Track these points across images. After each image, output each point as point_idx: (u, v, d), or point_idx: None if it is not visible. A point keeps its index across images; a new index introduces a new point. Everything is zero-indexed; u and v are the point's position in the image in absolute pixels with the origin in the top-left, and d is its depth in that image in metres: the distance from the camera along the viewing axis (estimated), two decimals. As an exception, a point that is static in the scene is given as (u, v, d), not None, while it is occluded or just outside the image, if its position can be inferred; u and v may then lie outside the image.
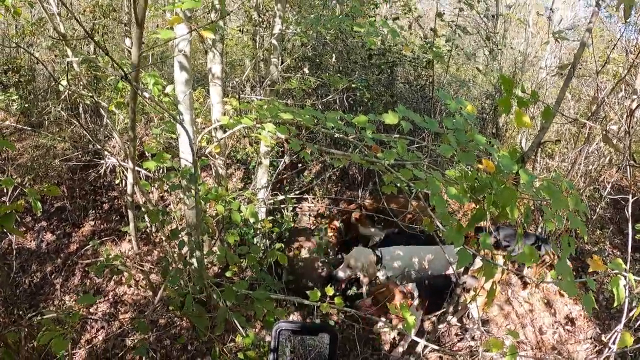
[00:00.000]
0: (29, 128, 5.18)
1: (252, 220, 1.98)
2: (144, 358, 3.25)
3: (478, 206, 1.43)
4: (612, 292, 1.48)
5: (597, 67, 3.82)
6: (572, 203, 1.52)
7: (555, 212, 1.60)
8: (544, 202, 1.60)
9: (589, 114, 5.47)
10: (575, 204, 1.56)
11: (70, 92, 3.16)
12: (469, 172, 1.55)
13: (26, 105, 5.72)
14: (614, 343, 2.43)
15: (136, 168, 2.54)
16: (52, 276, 4.37)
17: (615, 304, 1.49)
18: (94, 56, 3.84)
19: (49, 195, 1.80)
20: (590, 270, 1.59)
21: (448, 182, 1.47)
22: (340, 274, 3.58)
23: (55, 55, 5.37)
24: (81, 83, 3.11)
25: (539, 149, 4.17)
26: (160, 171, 3.53)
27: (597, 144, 5.03)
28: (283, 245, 3.81)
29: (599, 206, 4.76)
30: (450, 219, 1.58)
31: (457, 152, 1.62)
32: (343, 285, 3.63)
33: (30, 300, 4.13)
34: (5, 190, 3.76)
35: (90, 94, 2.90)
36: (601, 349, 3.46)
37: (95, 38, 5.23)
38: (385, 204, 2.93)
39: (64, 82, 2.90)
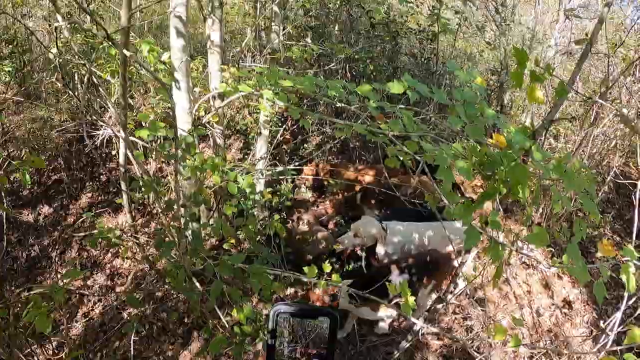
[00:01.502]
0: (24, 100, 5.08)
1: (249, 191, 1.91)
2: (132, 334, 3.26)
3: (488, 183, 1.35)
4: (610, 277, 1.43)
5: (608, 49, 3.70)
6: (584, 184, 1.45)
7: (566, 193, 1.53)
8: (555, 182, 1.53)
9: (598, 96, 5.35)
10: (588, 185, 1.48)
11: (61, 61, 3.05)
12: (478, 147, 1.47)
13: (20, 75, 5.58)
14: (611, 330, 2.40)
15: (131, 138, 2.46)
16: (49, 249, 4.34)
17: (626, 292, 1.44)
18: (86, 23, 3.70)
19: (34, 167, 1.72)
20: (599, 255, 1.53)
21: (457, 155, 1.38)
22: (346, 242, 3.44)
23: (50, 25, 5.22)
24: (72, 51, 2.99)
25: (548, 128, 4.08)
26: (159, 141, 3.45)
27: (603, 126, 4.93)
28: (284, 216, 3.75)
29: (602, 190, 4.70)
30: (455, 196, 1.51)
31: (465, 125, 1.54)
32: (346, 255, 3.54)
33: (27, 273, 4.12)
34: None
35: (82, 62, 2.79)
36: (597, 335, 3.45)
37: (90, 6, 5.07)
38: (387, 177, 2.84)
39: (54, 50, 2.79)
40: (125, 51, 1.50)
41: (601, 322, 3.59)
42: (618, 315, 2.37)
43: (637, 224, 2.42)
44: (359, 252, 3.55)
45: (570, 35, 6.78)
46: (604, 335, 2.63)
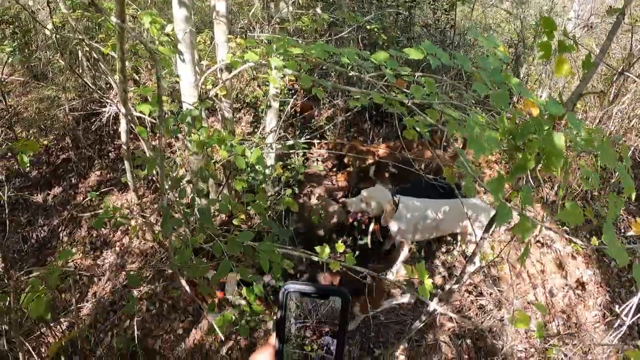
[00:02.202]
0: (29, 79, 5.01)
1: (257, 166, 1.83)
2: (145, 304, 3.24)
3: (521, 154, 1.24)
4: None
5: (631, 22, 3.50)
6: (618, 157, 1.34)
7: (598, 167, 1.42)
8: (582, 155, 1.42)
9: (620, 70, 5.12)
10: (623, 157, 1.37)
11: (58, 37, 2.94)
12: (507, 115, 1.36)
13: (24, 57, 5.50)
14: (626, 315, 2.32)
15: (137, 114, 2.38)
16: (59, 229, 4.34)
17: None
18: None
19: (30, 150, 1.64)
20: (632, 233, 1.43)
21: (487, 124, 1.27)
22: (351, 206, 3.32)
23: (49, 3, 5.10)
24: (70, 26, 2.88)
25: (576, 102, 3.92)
26: (166, 116, 3.36)
27: (622, 104, 4.75)
28: (296, 190, 3.66)
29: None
30: (479, 171, 1.41)
31: (491, 93, 1.43)
32: (351, 220, 3.44)
33: (37, 254, 4.13)
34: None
35: (81, 37, 2.69)
36: (612, 320, 3.38)
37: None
38: (405, 150, 2.72)
39: (50, 26, 2.68)
40: (114, 19, 1.39)
41: (615, 306, 3.52)
42: (635, 300, 2.29)
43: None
44: (366, 224, 3.46)
45: (591, 7, 6.50)
46: (618, 321, 2.55)
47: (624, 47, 5.53)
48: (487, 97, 1.45)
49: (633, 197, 1.39)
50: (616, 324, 2.53)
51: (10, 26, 5.42)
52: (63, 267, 3.46)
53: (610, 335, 3.09)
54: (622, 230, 4.17)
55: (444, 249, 3.93)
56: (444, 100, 1.54)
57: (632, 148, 4.58)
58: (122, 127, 1.85)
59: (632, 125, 4.94)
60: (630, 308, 2.31)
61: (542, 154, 1.19)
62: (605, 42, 2.14)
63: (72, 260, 3.85)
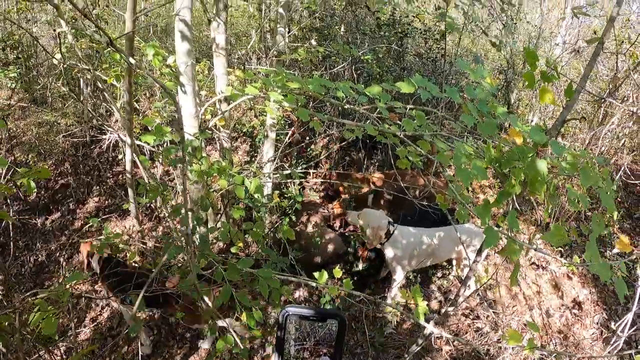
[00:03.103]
0: (29, 104, 5.10)
1: (256, 195, 1.89)
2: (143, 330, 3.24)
3: (505, 181, 1.31)
4: (621, 276, 1.39)
5: (616, 46, 3.66)
6: (600, 179, 1.41)
7: (585, 189, 1.49)
8: (568, 180, 1.50)
9: (606, 94, 5.28)
10: (603, 180, 1.45)
11: (66, 66, 3.05)
12: (493, 145, 1.44)
13: (25, 81, 5.61)
14: (622, 331, 2.35)
15: (137, 142, 2.44)
16: (57, 254, 4.35)
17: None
18: (90, 28, 3.70)
19: (40, 178, 1.70)
20: (616, 251, 1.50)
21: (473, 154, 1.35)
22: (349, 217, 3.54)
23: (54, 30, 5.24)
24: (76, 55, 2.99)
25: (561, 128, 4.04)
26: (164, 145, 3.44)
27: (611, 125, 4.88)
28: (294, 218, 3.74)
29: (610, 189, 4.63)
30: (469, 197, 1.48)
31: (478, 123, 1.51)
32: (365, 254, 3.56)
33: (35, 279, 4.13)
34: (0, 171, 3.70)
35: (87, 67, 2.78)
36: (608, 336, 3.41)
37: (95, 11, 5.08)
38: (399, 179, 2.82)
39: (58, 56, 2.78)
40: (130, 59, 1.48)
41: (612, 323, 3.55)
42: (629, 316, 2.32)
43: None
44: (365, 253, 3.54)
45: (577, 32, 6.71)
46: (614, 337, 2.58)
47: (611, 68, 5.71)
48: (476, 127, 1.53)
49: (615, 216, 1.46)
50: (613, 340, 2.56)
51: (14, 51, 5.53)
52: (73, 289, 3.47)
53: (607, 351, 3.11)
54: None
55: (439, 274, 3.97)
56: (434, 131, 1.62)
57: (623, 167, 4.66)
58: (127, 156, 1.92)
59: (623, 144, 5.06)
60: (626, 324, 2.35)
61: (526, 180, 1.27)
62: (585, 70, 2.24)
63: (70, 286, 3.85)
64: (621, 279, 1.28)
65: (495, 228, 1.33)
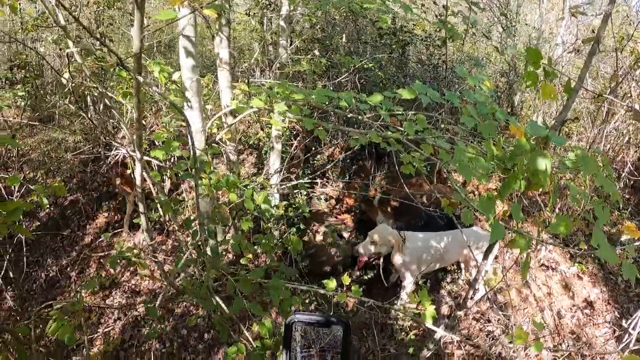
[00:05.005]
0: (38, 123, 5.18)
1: (265, 207, 1.92)
2: (155, 342, 3.26)
3: (509, 174, 1.34)
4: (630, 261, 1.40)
5: (616, 43, 3.67)
6: (598, 167, 1.44)
7: (586, 179, 1.51)
8: (572, 178, 1.51)
9: (608, 92, 5.28)
10: (604, 167, 1.48)
11: (74, 85, 3.11)
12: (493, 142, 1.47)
13: (34, 100, 5.70)
14: (633, 329, 2.35)
15: (146, 158, 2.49)
16: (68, 269, 4.40)
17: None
18: (97, 47, 3.78)
19: (57, 193, 1.75)
20: (624, 237, 1.51)
21: (475, 154, 1.38)
22: (361, 250, 3.44)
23: (61, 49, 5.33)
24: (84, 74, 3.05)
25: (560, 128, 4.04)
26: (172, 160, 3.49)
27: (615, 122, 4.87)
28: (301, 228, 3.76)
29: (617, 187, 4.62)
30: (474, 200, 1.51)
31: (478, 124, 1.54)
32: (362, 263, 3.53)
33: (46, 294, 4.17)
34: (13, 188, 3.77)
35: (95, 85, 2.84)
36: (621, 334, 3.38)
37: (99, 29, 5.18)
38: (404, 185, 2.84)
39: (67, 75, 2.84)
40: (138, 77, 1.53)
41: (623, 321, 3.52)
42: (640, 313, 2.32)
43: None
44: (375, 261, 3.54)
45: (577, 31, 6.73)
46: (627, 335, 2.57)
47: (612, 65, 5.70)
48: (477, 129, 1.57)
49: (620, 202, 1.48)
50: (625, 338, 2.55)
51: (22, 71, 5.63)
52: (87, 300, 3.50)
53: (619, 348, 3.09)
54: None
55: (449, 279, 3.97)
56: (436, 135, 1.65)
57: (629, 165, 4.64)
58: (137, 172, 1.96)
59: (628, 141, 5.03)
60: (638, 321, 2.34)
61: (528, 173, 1.29)
62: (582, 70, 2.27)
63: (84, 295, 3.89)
64: (630, 264, 1.29)
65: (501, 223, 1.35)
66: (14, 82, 5.49)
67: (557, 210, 4.42)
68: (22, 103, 5.37)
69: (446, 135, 1.85)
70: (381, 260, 3.48)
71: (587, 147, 4.77)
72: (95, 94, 4.82)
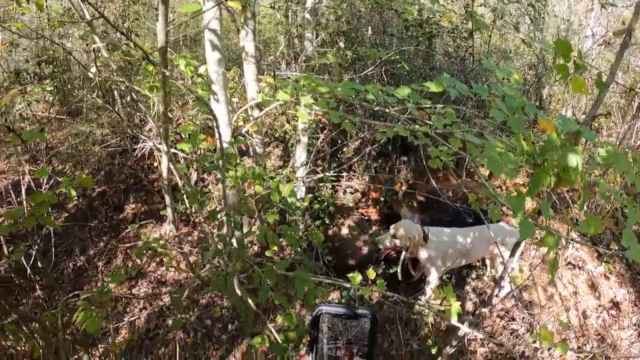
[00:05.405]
0: (66, 117, 5.32)
1: (290, 199, 1.93)
2: (179, 332, 3.31)
3: (538, 170, 1.30)
4: None
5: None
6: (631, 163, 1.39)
7: (616, 176, 1.46)
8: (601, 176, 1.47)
9: (639, 86, 5.10)
10: (636, 165, 1.43)
11: (101, 79, 3.18)
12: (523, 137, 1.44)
13: (62, 95, 5.84)
14: None
15: (172, 150, 2.53)
16: (95, 259, 4.51)
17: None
18: (123, 42, 3.86)
19: (84, 186, 1.80)
20: None
21: (505, 148, 1.35)
22: (386, 243, 3.42)
23: (87, 44, 5.45)
24: (110, 69, 3.11)
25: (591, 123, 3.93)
26: (199, 152, 3.55)
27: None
28: (326, 222, 3.77)
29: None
30: (502, 196, 1.48)
31: (507, 118, 1.51)
32: (383, 256, 3.51)
33: (74, 283, 4.29)
34: (42, 180, 3.88)
35: (121, 80, 2.90)
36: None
37: (125, 24, 5.27)
38: (431, 180, 2.80)
39: (94, 70, 2.91)
40: (164, 71, 1.55)
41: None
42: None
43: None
44: (402, 254, 3.51)
45: (607, 23, 6.51)
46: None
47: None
48: (506, 123, 1.53)
49: None
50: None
51: (50, 66, 5.78)
52: (114, 290, 3.59)
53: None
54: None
55: (474, 275, 3.92)
56: (465, 128, 1.62)
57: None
58: (164, 164, 2.00)
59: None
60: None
61: (558, 169, 1.26)
62: (613, 64, 2.19)
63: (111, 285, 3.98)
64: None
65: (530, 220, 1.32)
66: (42, 77, 5.63)
67: (585, 208, 4.31)
68: (51, 97, 5.51)
69: (474, 129, 1.82)
70: (403, 254, 3.45)
71: (617, 142, 4.63)
72: (122, 88, 4.92)
